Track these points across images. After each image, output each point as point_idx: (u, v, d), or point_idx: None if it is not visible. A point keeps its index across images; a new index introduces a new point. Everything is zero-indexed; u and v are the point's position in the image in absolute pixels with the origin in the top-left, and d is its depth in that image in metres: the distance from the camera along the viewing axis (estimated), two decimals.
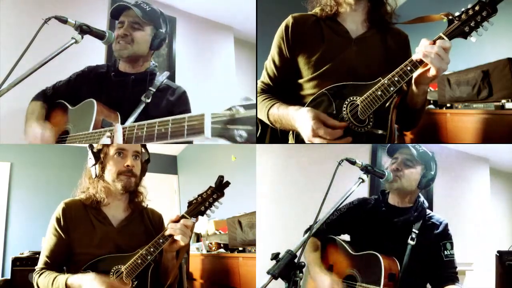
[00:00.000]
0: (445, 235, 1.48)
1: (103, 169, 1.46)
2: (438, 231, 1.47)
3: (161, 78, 1.79)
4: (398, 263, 1.39)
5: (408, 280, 1.38)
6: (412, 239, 1.43)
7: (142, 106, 1.69)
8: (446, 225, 1.50)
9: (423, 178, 1.49)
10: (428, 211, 1.53)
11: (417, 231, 1.45)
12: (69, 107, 1.76)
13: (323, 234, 1.61)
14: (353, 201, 1.64)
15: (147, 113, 1.66)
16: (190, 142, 1.22)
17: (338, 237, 1.62)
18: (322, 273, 1.48)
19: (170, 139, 1.08)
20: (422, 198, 1.54)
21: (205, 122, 0.98)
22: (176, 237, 1.33)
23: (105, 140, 1.32)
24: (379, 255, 1.39)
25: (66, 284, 1.27)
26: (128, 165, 1.44)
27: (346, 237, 1.65)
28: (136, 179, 1.48)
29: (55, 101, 1.83)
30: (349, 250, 1.52)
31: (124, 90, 1.74)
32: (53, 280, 1.29)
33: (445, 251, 1.44)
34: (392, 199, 1.56)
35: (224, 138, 0.95)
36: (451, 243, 1.47)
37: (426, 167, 1.50)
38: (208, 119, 0.98)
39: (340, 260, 1.53)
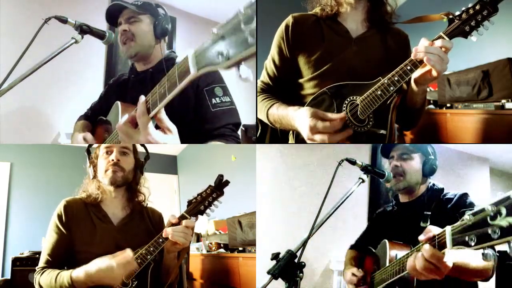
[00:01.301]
0: (462, 205, 1.36)
1: (95, 169, 1.51)
2: (452, 203, 1.39)
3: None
4: (411, 246, 1.34)
5: None
6: (425, 221, 1.38)
7: None
8: (463, 194, 1.39)
9: (425, 164, 1.49)
10: (445, 191, 1.47)
11: (429, 213, 1.40)
12: (104, 118, 1.80)
13: (360, 247, 1.70)
14: (376, 212, 1.72)
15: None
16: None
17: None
18: (345, 269, 1.60)
19: (169, 94, 1.05)
20: (432, 182, 1.52)
21: (189, 61, 0.95)
22: (177, 241, 1.32)
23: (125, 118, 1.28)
24: (386, 240, 1.39)
25: (71, 278, 1.25)
26: (112, 159, 1.47)
27: None
28: (124, 174, 1.49)
29: (95, 119, 1.89)
30: (374, 251, 1.55)
31: (144, 85, 1.71)
32: (56, 276, 1.28)
33: None
34: (402, 198, 1.57)
35: (208, 66, 0.89)
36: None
37: (423, 153, 1.51)
38: (191, 57, 0.95)
39: (371, 263, 1.55)
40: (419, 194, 1.52)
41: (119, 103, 1.61)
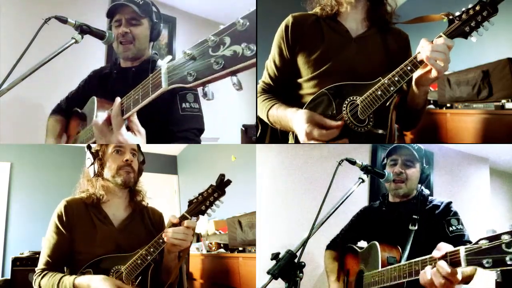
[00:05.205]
0: (448, 212, 1.42)
1: (102, 167, 1.48)
2: (439, 210, 1.44)
3: (163, 63, 1.79)
4: (400, 249, 1.39)
5: None
6: (414, 224, 1.42)
7: None
8: (448, 203, 1.46)
9: (423, 174, 1.52)
10: (430, 197, 1.52)
11: (417, 217, 1.43)
12: (79, 110, 1.79)
13: (339, 246, 1.71)
14: (361, 208, 1.72)
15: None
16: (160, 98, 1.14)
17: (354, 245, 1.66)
18: (331, 281, 1.65)
19: (142, 101, 1.15)
20: (420, 187, 1.55)
21: (162, 75, 1.04)
22: (177, 243, 1.30)
23: (102, 115, 1.32)
24: (376, 242, 1.41)
25: (73, 285, 1.25)
26: (127, 160, 1.46)
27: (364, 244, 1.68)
28: (135, 175, 1.50)
29: (71, 110, 1.88)
30: (358, 250, 1.56)
31: (126, 83, 1.72)
32: (59, 282, 1.27)
33: (450, 227, 1.38)
34: (392, 198, 1.58)
35: (178, 83, 0.99)
36: (457, 219, 1.40)
37: (422, 162, 1.53)
38: (164, 73, 1.04)
39: (354, 262, 1.57)
40: (407, 198, 1.55)
41: (95, 98, 1.61)
